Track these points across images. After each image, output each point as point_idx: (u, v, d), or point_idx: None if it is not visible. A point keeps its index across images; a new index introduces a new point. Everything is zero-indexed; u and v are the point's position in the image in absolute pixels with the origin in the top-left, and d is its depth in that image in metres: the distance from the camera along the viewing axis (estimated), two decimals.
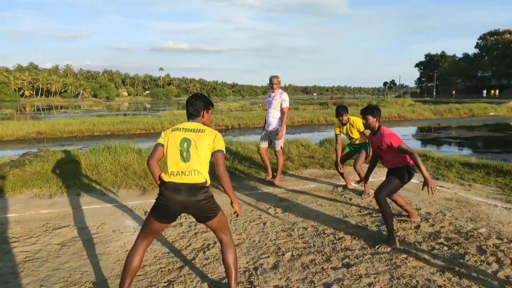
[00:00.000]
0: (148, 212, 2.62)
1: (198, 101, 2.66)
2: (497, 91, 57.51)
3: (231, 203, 2.68)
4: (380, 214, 4.54)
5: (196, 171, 2.49)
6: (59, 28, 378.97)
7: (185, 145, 2.50)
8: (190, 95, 2.78)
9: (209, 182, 2.58)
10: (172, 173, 2.49)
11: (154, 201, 2.60)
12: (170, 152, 2.52)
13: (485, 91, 56.54)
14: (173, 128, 2.62)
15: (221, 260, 2.83)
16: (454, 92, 66.52)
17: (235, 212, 2.71)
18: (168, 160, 2.52)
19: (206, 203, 2.53)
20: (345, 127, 5.54)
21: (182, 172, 2.48)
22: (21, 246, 3.64)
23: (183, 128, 2.58)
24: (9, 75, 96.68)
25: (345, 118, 5.42)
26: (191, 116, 2.67)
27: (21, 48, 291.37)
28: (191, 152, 2.49)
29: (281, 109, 5.96)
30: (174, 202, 2.47)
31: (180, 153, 2.49)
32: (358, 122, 5.34)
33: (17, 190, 5.60)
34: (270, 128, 6.04)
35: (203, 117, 2.68)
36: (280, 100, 5.96)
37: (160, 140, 2.62)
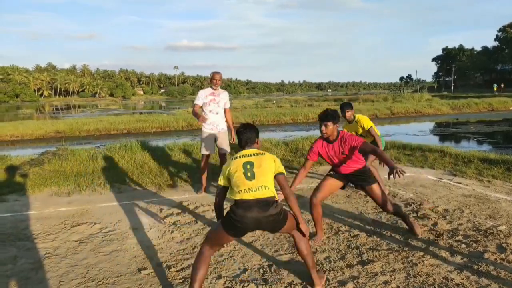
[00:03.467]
0: (218, 225, 2.67)
1: (252, 130, 2.80)
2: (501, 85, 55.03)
3: (297, 224, 2.73)
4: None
5: (263, 186, 2.54)
6: (76, 29, 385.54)
7: (248, 167, 2.58)
8: (242, 124, 2.88)
9: (277, 197, 2.62)
10: (240, 191, 2.54)
11: (226, 216, 2.61)
12: (235, 177, 2.58)
13: (495, 85, 54.42)
14: (232, 158, 2.70)
15: (297, 253, 2.95)
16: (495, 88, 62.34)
17: (303, 234, 2.76)
18: (234, 184, 2.59)
19: (278, 217, 2.57)
20: (351, 126, 5.27)
21: (249, 189, 2.53)
22: (41, 243, 3.73)
23: (243, 155, 2.67)
24: (29, 76, 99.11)
25: (347, 114, 5.11)
26: (247, 144, 2.77)
27: (39, 49, 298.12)
28: (256, 171, 2.57)
29: (225, 110, 5.54)
30: (247, 220, 2.50)
31: (245, 174, 2.56)
32: (364, 119, 5.15)
33: (37, 188, 5.74)
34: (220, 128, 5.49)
35: (257, 143, 2.81)
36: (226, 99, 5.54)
37: (220, 182, 2.72)
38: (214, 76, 5.40)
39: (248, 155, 2.66)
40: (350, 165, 3.58)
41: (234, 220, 2.52)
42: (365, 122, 5.11)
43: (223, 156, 5.61)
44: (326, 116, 3.44)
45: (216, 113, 5.45)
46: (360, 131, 5.15)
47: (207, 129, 5.46)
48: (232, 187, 2.62)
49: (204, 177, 5.64)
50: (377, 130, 5.24)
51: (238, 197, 2.54)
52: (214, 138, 5.49)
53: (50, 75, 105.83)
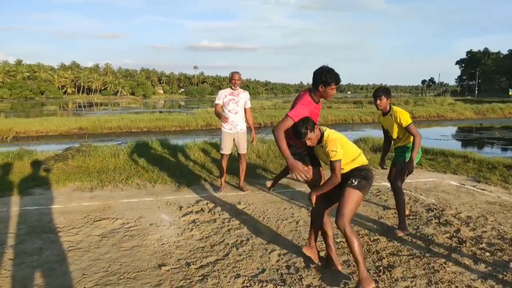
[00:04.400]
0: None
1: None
2: None
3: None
4: (416, 217, 4.42)
5: None
6: (100, 29, 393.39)
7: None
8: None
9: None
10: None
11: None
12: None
13: (511, 90, 52.04)
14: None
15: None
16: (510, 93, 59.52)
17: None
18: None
19: None
20: (386, 119, 4.14)
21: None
22: (65, 236, 3.83)
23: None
24: (54, 74, 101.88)
25: (379, 102, 4.01)
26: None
27: (64, 48, 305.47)
28: None
29: (245, 110, 5.55)
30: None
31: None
32: (402, 114, 3.95)
33: (61, 183, 5.90)
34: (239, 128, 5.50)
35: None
36: (246, 99, 5.54)
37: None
38: (233, 76, 5.44)
39: None
40: None
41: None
42: (404, 117, 3.93)
43: (242, 156, 5.63)
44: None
45: (235, 113, 5.45)
46: (396, 128, 4.04)
47: (226, 129, 5.48)
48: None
49: (223, 176, 5.68)
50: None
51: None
52: (233, 138, 5.51)
53: (74, 73, 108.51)
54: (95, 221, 4.28)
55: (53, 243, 3.68)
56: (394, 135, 4.10)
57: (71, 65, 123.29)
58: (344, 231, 2.76)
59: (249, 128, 5.69)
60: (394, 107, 4.05)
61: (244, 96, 5.51)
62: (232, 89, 5.44)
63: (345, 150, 2.90)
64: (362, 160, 3.00)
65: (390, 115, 4.04)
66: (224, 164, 5.59)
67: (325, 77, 2.98)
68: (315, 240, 3.24)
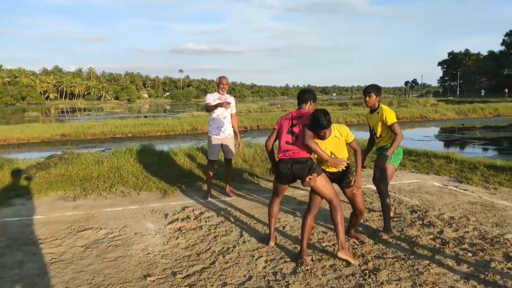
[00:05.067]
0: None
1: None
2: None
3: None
4: (400, 219, 4.48)
5: None
6: (83, 32, 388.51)
7: None
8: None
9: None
10: None
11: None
12: None
13: (507, 90, 54.01)
14: None
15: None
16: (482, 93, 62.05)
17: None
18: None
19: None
20: (372, 116, 4.20)
21: None
22: (47, 248, 3.75)
23: None
24: (36, 79, 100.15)
25: (367, 99, 4.10)
26: None
27: (47, 52, 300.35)
28: None
29: (231, 115, 5.56)
30: None
31: None
32: (389, 112, 4.01)
33: (43, 192, 5.78)
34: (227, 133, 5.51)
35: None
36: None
37: None
38: (221, 81, 5.42)
39: None
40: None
41: None
42: (389, 115, 3.98)
43: (228, 161, 5.62)
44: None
45: (223, 118, 5.44)
46: (380, 126, 4.10)
47: (214, 134, 5.46)
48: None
49: (210, 182, 5.65)
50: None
51: None
52: (220, 144, 5.49)
53: (56, 78, 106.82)
54: (78, 232, 4.20)
55: (34, 255, 3.60)
56: (378, 133, 4.16)
57: (54, 69, 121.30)
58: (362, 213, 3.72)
59: (235, 133, 5.70)
60: (382, 106, 4.10)
61: (231, 101, 5.49)
62: (220, 93, 5.42)
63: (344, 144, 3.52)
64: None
65: (377, 112, 4.09)
66: (211, 170, 5.58)
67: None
68: (355, 228, 3.90)
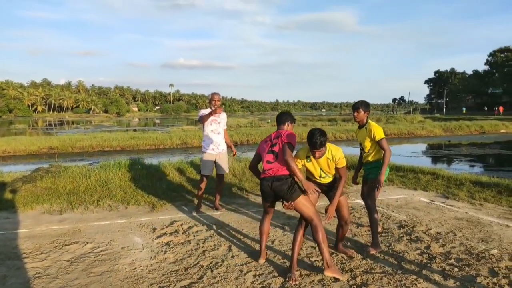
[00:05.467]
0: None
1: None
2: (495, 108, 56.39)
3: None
4: (388, 234, 4.51)
5: None
6: (73, 46, 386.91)
7: None
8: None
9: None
10: None
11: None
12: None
13: (464, 109, 56.28)
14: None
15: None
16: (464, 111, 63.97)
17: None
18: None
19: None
20: (361, 132, 4.24)
21: None
22: (31, 262, 3.68)
23: None
24: (23, 91, 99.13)
25: (356, 114, 4.15)
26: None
27: (36, 65, 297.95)
28: None
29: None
30: None
31: None
32: (377, 128, 4.05)
33: (29, 205, 5.68)
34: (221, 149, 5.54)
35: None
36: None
37: None
38: (213, 97, 5.46)
39: None
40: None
41: None
42: (377, 131, 4.02)
43: (221, 177, 5.62)
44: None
45: (217, 133, 5.48)
46: (368, 141, 4.12)
47: (208, 149, 5.47)
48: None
49: (200, 197, 5.63)
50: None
51: None
52: (214, 159, 5.49)
53: (44, 90, 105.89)
54: (64, 246, 4.13)
55: (18, 270, 3.52)
56: (366, 149, 4.17)
57: (42, 82, 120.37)
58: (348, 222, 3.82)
59: (229, 148, 5.75)
60: (371, 122, 4.14)
61: (223, 117, 5.57)
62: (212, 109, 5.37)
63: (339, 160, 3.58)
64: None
65: (365, 128, 4.13)
66: (204, 185, 5.56)
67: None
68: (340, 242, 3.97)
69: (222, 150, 5.53)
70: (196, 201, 5.67)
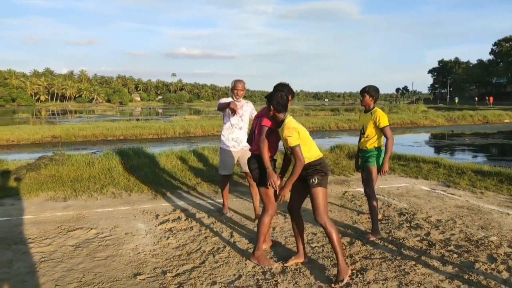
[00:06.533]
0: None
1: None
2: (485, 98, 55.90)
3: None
4: (388, 221, 4.55)
5: None
6: (75, 35, 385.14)
7: None
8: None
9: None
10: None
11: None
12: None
13: (457, 99, 55.89)
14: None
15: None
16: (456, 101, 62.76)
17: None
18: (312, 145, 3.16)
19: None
20: (365, 117, 4.21)
21: None
22: (37, 247, 3.75)
23: None
24: (26, 81, 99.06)
25: (364, 98, 4.15)
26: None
27: (37, 54, 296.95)
28: None
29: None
30: None
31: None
32: (382, 115, 4.04)
33: (33, 192, 5.75)
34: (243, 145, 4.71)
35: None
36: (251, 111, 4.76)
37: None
38: (236, 85, 4.59)
39: None
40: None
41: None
42: (382, 118, 4.03)
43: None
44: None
45: (239, 128, 4.66)
46: (371, 126, 4.11)
47: (228, 146, 4.68)
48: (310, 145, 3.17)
49: (225, 198, 4.95)
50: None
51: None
52: (236, 157, 4.73)
53: (47, 80, 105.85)
54: (69, 231, 4.20)
55: (24, 254, 3.59)
56: (366, 132, 4.18)
57: (45, 71, 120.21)
58: (325, 225, 3.09)
59: None
60: (377, 108, 4.15)
61: (248, 109, 4.70)
62: (235, 99, 4.63)
63: (302, 140, 3.11)
64: (316, 153, 3.20)
65: (371, 113, 4.14)
66: (226, 187, 4.88)
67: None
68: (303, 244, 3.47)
69: (245, 147, 4.62)
70: (222, 201, 5.07)
